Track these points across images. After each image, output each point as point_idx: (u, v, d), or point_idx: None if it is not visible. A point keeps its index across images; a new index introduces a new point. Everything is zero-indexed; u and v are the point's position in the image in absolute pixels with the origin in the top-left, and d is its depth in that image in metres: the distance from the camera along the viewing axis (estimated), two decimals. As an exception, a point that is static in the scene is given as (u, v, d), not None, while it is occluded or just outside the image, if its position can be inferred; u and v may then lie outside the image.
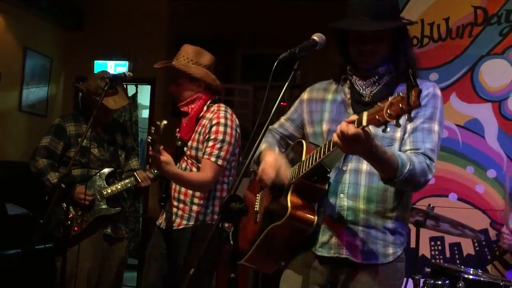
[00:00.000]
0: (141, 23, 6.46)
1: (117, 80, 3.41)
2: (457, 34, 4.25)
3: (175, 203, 3.10)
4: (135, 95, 6.86)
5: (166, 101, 6.35)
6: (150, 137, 2.74)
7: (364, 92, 2.11)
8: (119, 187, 3.62)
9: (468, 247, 4.11)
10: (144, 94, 7.10)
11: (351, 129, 1.70)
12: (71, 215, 3.50)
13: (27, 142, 5.99)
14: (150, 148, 2.77)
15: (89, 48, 6.56)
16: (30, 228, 4.88)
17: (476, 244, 4.05)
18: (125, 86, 6.31)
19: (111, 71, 6.30)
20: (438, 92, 2.10)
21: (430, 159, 1.99)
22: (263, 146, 2.23)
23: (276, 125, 2.37)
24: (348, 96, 2.15)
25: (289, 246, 2.11)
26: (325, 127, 2.15)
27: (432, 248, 4.22)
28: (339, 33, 2.13)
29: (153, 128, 2.71)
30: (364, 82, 2.11)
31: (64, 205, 3.47)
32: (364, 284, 2.04)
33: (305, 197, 2.01)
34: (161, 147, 2.77)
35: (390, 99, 1.62)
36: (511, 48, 4.12)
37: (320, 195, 2.04)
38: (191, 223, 3.04)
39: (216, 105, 3.12)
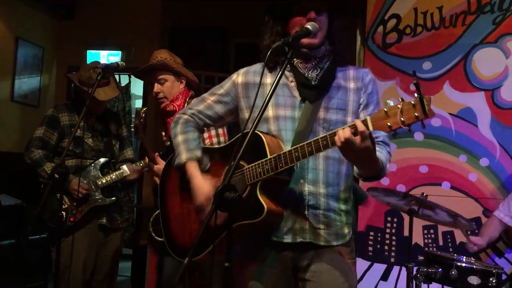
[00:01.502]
0: (134, 12, 6.42)
1: (110, 70, 3.39)
2: (450, 23, 4.25)
3: None
4: (128, 85, 6.84)
5: (160, 91, 6.33)
6: (133, 124, 2.78)
7: (309, 75, 2.12)
8: (113, 177, 3.63)
9: (461, 235, 4.14)
10: (137, 84, 7.07)
11: (358, 141, 1.74)
12: (66, 206, 3.50)
13: (19, 133, 5.96)
14: (137, 136, 2.80)
15: (81, 38, 6.52)
16: (24, 219, 4.87)
17: (469, 233, 4.07)
18: (118, 76, 6.37)
19: (104, 60, 6.28)
20: (373, 76, 2.20)
21: (388, 144, 2.12)
22: (183, 155, 2.19)
23: (201, 107, 2.29)
24: (291, 79, 2.14)
25: (251, 234, 2.11)
26: (271, 112, 2.11)
27: (426, 236, 4.25)
28: (281, 11, 2.15)
29: (135, 115, 2.75)
30: (306, 65, 2.12)
31: (59, 195, 3.47)
32: (326, 267, 2.08)
33: (271, 190, 2.02)
34: (156, 154, 2.82)
35: (399, 106, 1.66)
36: (504, 37, 4.12)
37: (285, 185, 2.06)
38: None
39: (195, 98, 3.13)
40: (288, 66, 2.13)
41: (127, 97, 6.84)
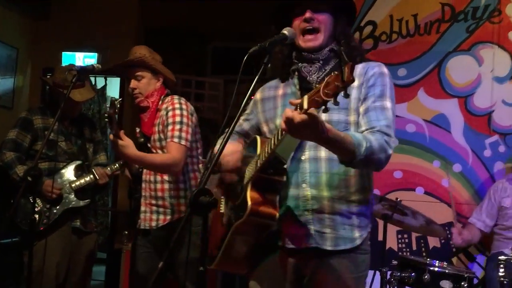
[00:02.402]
0: (111, 13, 6.36)
1: (85, 73, 3.37)
2: (425, 30, 4.32)
3: (154, 201, 3.11)
4: (104, 88, 6.78)
5: (136, 93, 6.28)
6: (106, 114, 2.77)
7: (311, 78, 2.10)
8: (87, 179, 3.60)
9: (434, 240, 4.20)
10: (113, 87, 7.01)
11: (296, 115, 1.68)
12: (38, 208, 3.46)
13: (-8, 134, 5.87)
14: (109, 126, 2.78)
15: (56, 39, 6.44)
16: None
17: (441, 237, 4.13)
18: (94, 78, 6.31)
19: (80, 62, 6.21)
20: (385, 70, 2.08)
21: (388, 134, 1.98)
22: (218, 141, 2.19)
23: (236, 128, 2.33)
24: (298, 87, 2.15)
25: (255, 244, 2.09)
26: (278, 121, 2.12)
27: (399, 241, 4.29)
28: (283, 17, 2.14)
29: (109, 105, 2.72)
30: (311, 68, 2.10)
31: (31, 198, 3.43)
32: (332, 268, 2.04)
33: (264, 192, 2.00)
34: (122, 131, 2.79)
35: (326, 78, 1.62)
36: (477, 45, 4.20)
37: (280, 187, 2.03)
38: (176, 215, 3.07)
39: (169, 96, 3.18)
40: (296, 73, 2.15)
41: (102, 99, 6.77)
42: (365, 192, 2.10)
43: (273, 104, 2.20)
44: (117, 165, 3.62)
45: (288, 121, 1.70)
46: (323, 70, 2.10)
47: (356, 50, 2.11)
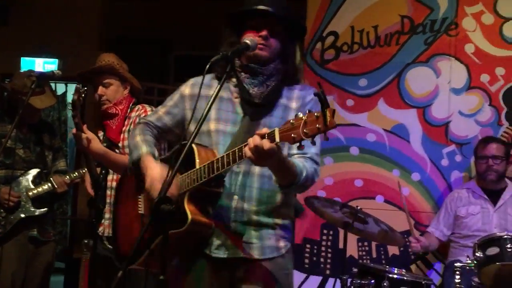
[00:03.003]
0: (72, 19, 6.26)
1: (45, 79, 3.32)
2: (385, 42, 4.40)
3: None
4: (64, 94, 6.68)
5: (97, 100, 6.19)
6: (70, 102, 2.74)
7: (253, 92, 2.11)
8: (45, 187, 3.54)
9: (393, 248, 4.26)
10: (74, 93, 6.91)
11: (266, 144, 1.75)
12: (-6, 217, 3.39)
13: None
14: (72, 113, 2.76)
15: (15, 44, 6.29)
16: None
17: (400, 245, 4.19)
18: (54, 84, 6.20)
19: (40, 68, 6.10)
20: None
21: (317, 163, 2.11)
22: (143, 148, 2.17)
23: (153, 118, 2.31)
24: (236, 94, 2.15)
25: (184, 247, 2.10)
26: (212, 126, 2.14)
27: (360, 249, 4.34)
28: (235, 25, 2.17)
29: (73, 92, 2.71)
30: (253, 81, 2.11)
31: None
32: (260, 276, 2.09)
33: (201, 202, 2.03)
34: (85, 125, 2.77)
35: (304, 118, 1.68)
36: (435, 57, 4.30)
37: (216, 198, 2.06)
38: None
39: (139, 105, 3.19)
40: (235, 81, 2.15)
41: (62, 106, 6.68)
42: (289, 207, 2.21)
43: (204, 104, 2.07)
44: (76, 173, 3.57)
45: (257, 148, 1.76)
46: (266, 86, 2.11)
47: (300, 72, 2.18)
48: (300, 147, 1.72)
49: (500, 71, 4.19)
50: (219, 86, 1.95)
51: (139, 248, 2.02)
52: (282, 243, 2.16)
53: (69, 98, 6.85)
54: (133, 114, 3.12)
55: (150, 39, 6.00)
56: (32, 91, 3.02)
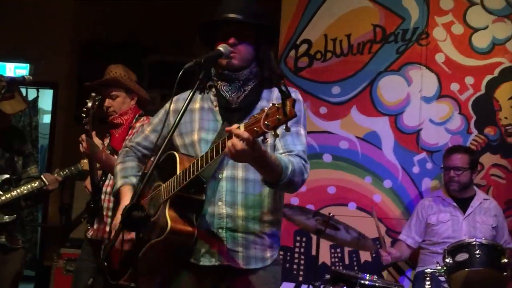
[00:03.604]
0: (44, 23, 6.19)
1: (15, 84, 3.28)
2: (358, 50, 4.45)
3: (110, 214, 3.06)
4: (36, 100, 6.58)
5: (69, 106, 6.12)
6: (85, 108, 2.98)
7: (231, 98, 2.13)
8: (19, 191, 3.48)
9: (365, 254, 4.30)
10: (45, 99, 6.82)
11: (237, 143, 1.73)
12: (-39, 225, 3.32)
13: None
14: (84, 120, 2.95)
15: (-15, 49, 6.21)
16: None
17: (372, 252, 4.24)
18: (25, 90, 6.12)
19: (10, 73, 6.02)
20: (300, 97, 2.16)
21: (304, 160, 2.07)
22: (118, 182, 2.25)
23: (139, 138, 2.34)
24: (215, 103, 2.17)
25: (168, 258, 2.09)
26: (196, 136, 2.15)
27: (332, 255, 4.37)
28: (207, 34, 2.18)
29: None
30: (230, 88, 2.14)
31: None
32: None
33: (182, 210, 2.01)
34: (93, 132, 2.95)
35: (266, 110, 1.67)
36: (406, 66, 4.36)
37: (198, 206, 2.05)
38: None
39: (144, 117, 3.31)
40: (213, 90, 2.17)
41: (34, 112, 6.58)
42: (277, 213, 2.18)
43: (189, 117, 2.17)
44: (67, 170, 3.53)
45: (231, 148, 1.75)
46: (242, 90, 2.13)
47: (276, 74, 2.17)
48: (265, 141, 1.71)
49: (469, 80, 4.28)
50: (190, 94, 1.95)
51: (126, 263, 2.05)
52: (268, 253, 2.13)
53: (41, 103, 6.78)
54: (138, 124, 3.25)
55: (124, 44, 5.96)
56: (2, 96, 2.98)
